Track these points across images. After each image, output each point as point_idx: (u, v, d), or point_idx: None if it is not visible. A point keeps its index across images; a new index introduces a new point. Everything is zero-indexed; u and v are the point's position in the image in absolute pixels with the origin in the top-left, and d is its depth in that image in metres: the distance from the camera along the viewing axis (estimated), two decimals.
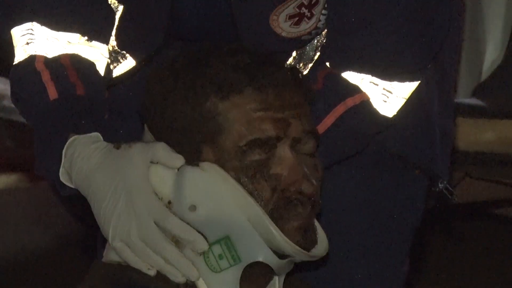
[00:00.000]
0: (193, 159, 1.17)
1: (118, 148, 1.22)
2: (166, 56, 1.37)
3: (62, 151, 1.27)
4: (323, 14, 1.45)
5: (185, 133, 1.18)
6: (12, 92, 1.44)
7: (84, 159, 1.24)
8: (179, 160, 1.18)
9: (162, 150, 1.19)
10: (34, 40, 1.44)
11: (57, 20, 1.45)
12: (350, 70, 1.40)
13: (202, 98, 1.19)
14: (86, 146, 1.25)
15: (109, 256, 1.21)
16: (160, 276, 1.17)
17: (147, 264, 1.18)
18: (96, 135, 1.27)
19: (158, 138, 1.22)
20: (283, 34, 1.50)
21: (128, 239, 1.17)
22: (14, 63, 1.46)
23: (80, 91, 1.37)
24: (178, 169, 1.17)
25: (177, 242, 1.16)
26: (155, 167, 1.17)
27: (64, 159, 1.26)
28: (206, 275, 1.15)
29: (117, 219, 1.19)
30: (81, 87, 1.38)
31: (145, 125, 1.27)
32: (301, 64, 1.59)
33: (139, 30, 1.51)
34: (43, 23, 1.43)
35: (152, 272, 1.17)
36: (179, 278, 1.16)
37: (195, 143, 1.18)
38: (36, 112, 1.38)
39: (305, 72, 1.57)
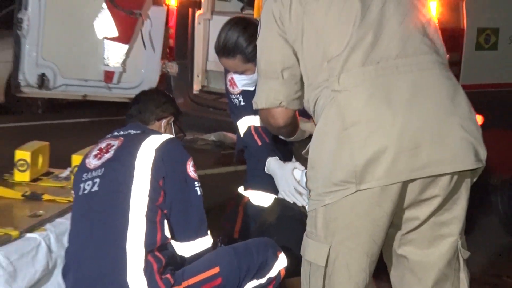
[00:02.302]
0: None
1: (284, 162, 3.27)
2: None
3: (266, 161, 3.35)
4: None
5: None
6: (243, 141, 3.54)
7: (273, 164, 3.30)
8: (303, 169, 3.17)
9: (298, 165, 3.20)
10: (246, 121, 3.50)
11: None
12: None
13: None
14: (274, 161, 3.32)
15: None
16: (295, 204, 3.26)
17: (292, 200, 3.26)
18: (276, 157, 3.33)
19: (297, 160, 3.27)
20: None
21: (285, 191, 3.25)
22: (244, 132, 3.50)
23: (267, 140, 3.42)
24: (302, 171, 3.18)
25: (300, 193, 3.20)
26: (296, 170, 3.20)
27: (267, 164, 3.34)
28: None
29: (282, 183, 3.23)
30: (266, 138, 3.42)
31: (293, 155, 3.35)
32: None
33: None
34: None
35: (291, 202, 3.25)
36: (302, 203, 3.18)
37: None
38: (255, 150, 3.45)
39: None
